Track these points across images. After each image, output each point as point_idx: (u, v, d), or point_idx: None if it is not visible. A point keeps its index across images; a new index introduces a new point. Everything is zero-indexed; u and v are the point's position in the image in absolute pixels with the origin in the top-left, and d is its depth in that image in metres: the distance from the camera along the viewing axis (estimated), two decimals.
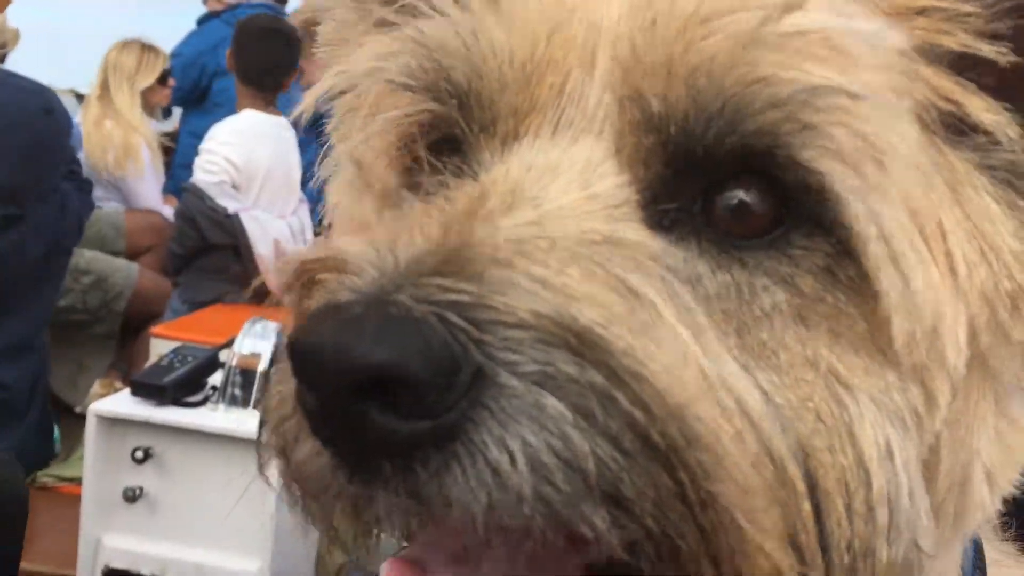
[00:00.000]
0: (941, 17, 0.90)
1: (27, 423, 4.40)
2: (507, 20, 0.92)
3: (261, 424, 0.93)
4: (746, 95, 0.83)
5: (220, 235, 5.91)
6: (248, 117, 6.29)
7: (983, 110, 0.89)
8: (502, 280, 0.74)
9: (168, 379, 3.90)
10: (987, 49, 0.89)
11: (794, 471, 0.80)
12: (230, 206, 5.92)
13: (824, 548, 0.82)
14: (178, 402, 3.91)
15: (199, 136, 6.77)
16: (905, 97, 0.88)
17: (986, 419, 0.93)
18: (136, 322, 6.69)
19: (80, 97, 8.22)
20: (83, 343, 6.63)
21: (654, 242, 0.83)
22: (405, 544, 0.92)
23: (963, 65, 0.91)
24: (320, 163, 1.21)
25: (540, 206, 0.81)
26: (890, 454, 0.84)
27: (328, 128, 1.20)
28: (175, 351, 4.23)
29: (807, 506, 0.81)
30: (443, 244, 0.77)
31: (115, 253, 7.00)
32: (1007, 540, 1.28)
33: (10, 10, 4.52)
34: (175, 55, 8.74)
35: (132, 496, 3.84)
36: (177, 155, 8.64)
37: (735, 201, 0.86)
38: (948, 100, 0.89)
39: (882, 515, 0.83)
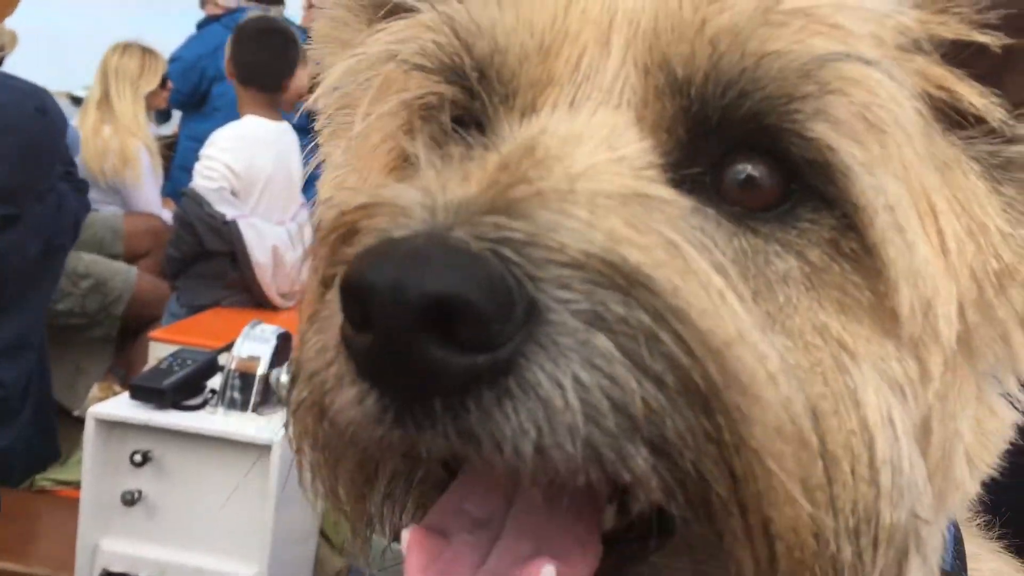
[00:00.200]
0: (934, 9, 0.95)
1: (22, 422, 4.39)
2: None
3: (293, 378, 0.93)
4: (760, 65, 0.87)
5: (217, 242, 5.90)
6: (250, 123, 6.28)
7: (974, 95, 0.94)
8: (552, 221, 0.76)
9: (167, 382, 3.88)
10: (980, 37, 0.94)
11: (808, 429, 0.82)
12: (228, 213, 5.91)
13: (832, 509, 0.84)
14: (177, 405, 3.89)
15: (198, 140, 6.77)
16: (904, 75, 0.92)
17: (969, 401, 0.97)
18: (134, 326, 6.69)
19: (76, 100, 8.22)
20: (81, 346, 6.63)
21: (683, 200, 0.85)
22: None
23: (954, 56, 0.95)
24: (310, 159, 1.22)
25: (571, 167, 0.82)
26: (891, 421, 0.87)
27: (317, 126, 1.21)
28: (174, 355, 4.22)
29: (820, 465, 0.83)
30: (490, 188, 0.78)
31: (113, 256, 6.99)
32: (990, 538, 1.35)
33: None
34: (174, 59, 8.75)
35: (131, 499, 3.82)
36: (176, 158, 8.65)
37: (743, 175, 0.90)
38: (940, 87, 0.93)
39: (885, 479, 0.86)
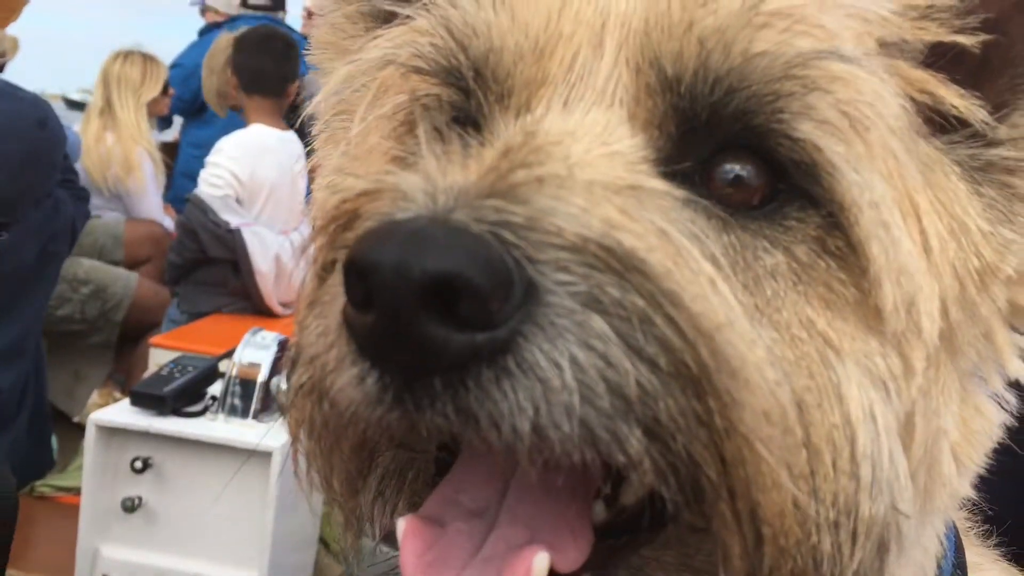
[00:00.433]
0: (915, 15, 0.97)
1: (17, 428, 4.39)
2: None
3: (293, 363, 0.95)
4: (747, 63, 0.90)
5: (220, 249, 5.90)
6: (255, 131, 6.30)
7: (955, 97, 0.97)
8: (550, 206, 0.78)
9: (168, 389, 3.89)
10: (962, 40, 0.96)
11: (794, 419, 0.85)
12: (232, 220, 5.92)
13: (815, 499, 0.86)
14: (178, 412, 3.90)
15: (198, 146, 6.78)
16: (887, 74, 0.94)
17: (952, 398, 0.99)
18: (134, 332, 6.69)
19: (70, 103, 8.23)
20: (81, 352, 6.63)
21: (675, 191, 0.87)
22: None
23: (934, 61, 0.98)
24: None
25: (567, 158, 0.85)
26: (873, 416, 0.89)
27: (314, 131, 1.23)
28: (175, 361, 4.23)
29: (804, 455, 0.85)
30: (490, 173, 0.81)
31: (114, 263, 7.00)
32: (989, 546, 1.36)
33: None
34: (176, 66, 8.78)
35: (131, 506, 3.83)
36: (177, 164, 8.67)
37: (732, 175, 0.92)
38: (922, 91, 0.96)
39: (865, 472, 0.88)
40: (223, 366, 4.13)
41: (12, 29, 5.60)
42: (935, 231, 0.94)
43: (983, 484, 1.09)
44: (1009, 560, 1.37)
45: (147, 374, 4.68)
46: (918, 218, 0.94)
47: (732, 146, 0.92)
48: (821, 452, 0.86)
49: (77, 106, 7.84)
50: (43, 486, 5.22)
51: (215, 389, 4.08)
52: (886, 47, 0.95)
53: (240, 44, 6.53)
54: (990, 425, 1.04)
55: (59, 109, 5.50)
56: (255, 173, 6.14)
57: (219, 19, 9.43)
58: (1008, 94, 1.01)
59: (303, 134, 1.29)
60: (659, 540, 0.92)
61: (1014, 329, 1.03)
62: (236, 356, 4.00)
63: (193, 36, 9.59)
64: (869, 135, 0.91)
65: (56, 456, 5.27)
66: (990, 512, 1.32)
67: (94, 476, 3.82)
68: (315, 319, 0.90)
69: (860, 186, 0.90)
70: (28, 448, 4.58)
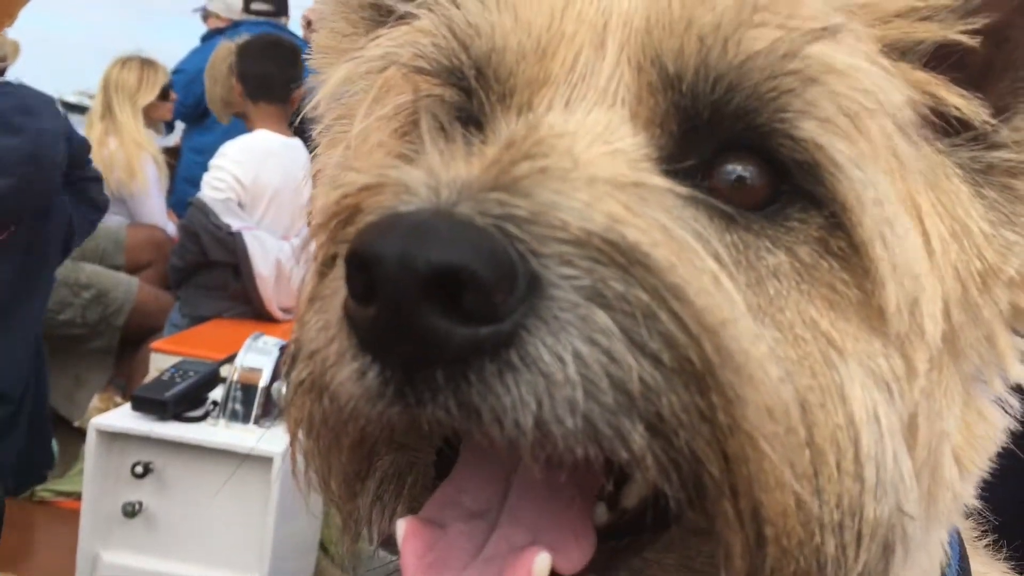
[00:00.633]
0: (917, 17, 0.97)
1: (18, 432, 4.39)
2: None
3: (293, 358, 0.94)
4: (746, 60, 0.90)
5: (221, 252, 5.91)
6: (260, 136, 6.31)
7: (957, 98, 0.96)
8: (553, 200, 0.78)
9: (169, 394, 3.88)
10: (965, 40, 0.96)
11: (797, 419, 0.84)
12: (234, 224, 5.93)
13: (818, 500, 0.86)
14: (179, 417, 3.90)
15: (200, 151, 6.78)
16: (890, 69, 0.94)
17: (955, 400, 0.98)
18: (135, 336, 6.69)
19: (69, 107, 8.22)
20: (81, 357, 6.63)
21: (678, 189, 0.87)
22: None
23: (937, 63, 0.98)
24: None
25: (571, 151, 0.85)
26: (877, 417, 0.88)
27: (315, 134, 1.23)
28: (176, 366, 4.23)
29: (807, 455, 0.85)
30: (493, 167, 0.80)
31: (115, 267, 7.00)
32: (998, 559, 1.35)
33: None
34: (178, 71, 8.79)
35: (131, 511, 3.82)
36: (179, 170, 8.67)
37: (734, 175, 0.92)
38: (924, 92, 0.96)
39: (870, 473, 0.87)
40: (224, 371, 4.14)
41: (10, 31, 5.60)
42: (937, 233, 0.94)
43: (987, 489, 1.09)
44: (1019, 573, 1.36)
45: (148, 379, 4.68)
46: (920, 220, 0.93)
47: (734, 146, 0.92)
48: (825, 452, 0.86)
49: (73, 109, 7.82)
50: (43, 491, 5.22)
51: (216, 394, 4.08)
52: (889, 47, 0.95)
53: (245, 51, 6.55)
54: (993, 429, 1.04)
55: None
56: (258, 178, 6.15)
57: (221, 24, 9.43)
58: (1010, 97, 1.01)
59: (305, 137, 1.28)
60: (661, 542, 0.91)
61: (1016, 332, 1.03)
62: (237, 361, 4.00)
63: (194, 39, 9.60)
64: (871, 131, 0.90)
65: (56, 461, 5.27)
66: (996, 523, 1.31)
67: (95, 481, 3.81)
68: (315, 314, 0.89)
69: (863, 184, 0.89)
70: (28, 453, 4.58)
